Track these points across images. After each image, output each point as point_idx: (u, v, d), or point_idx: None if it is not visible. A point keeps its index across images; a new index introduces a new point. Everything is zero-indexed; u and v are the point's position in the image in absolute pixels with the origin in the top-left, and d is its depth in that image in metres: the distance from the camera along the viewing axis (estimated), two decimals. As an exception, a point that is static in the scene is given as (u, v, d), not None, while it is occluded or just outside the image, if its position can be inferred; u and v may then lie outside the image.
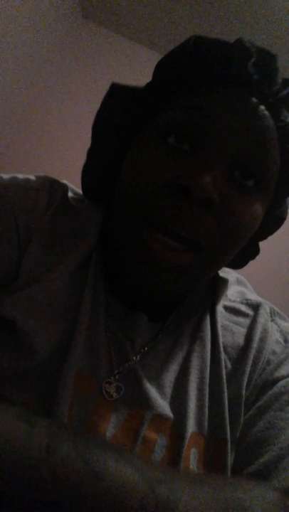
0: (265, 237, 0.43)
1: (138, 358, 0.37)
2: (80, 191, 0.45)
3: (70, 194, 0.43)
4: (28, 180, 0.40)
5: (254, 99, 0.34)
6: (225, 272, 0.47)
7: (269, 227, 0.41)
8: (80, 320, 0.35)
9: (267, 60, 0.34)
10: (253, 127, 0.33)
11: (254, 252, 0.44)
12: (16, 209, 0.37)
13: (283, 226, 0.43)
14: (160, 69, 0.38)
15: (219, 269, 0.40)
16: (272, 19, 1.51)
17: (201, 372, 0.37)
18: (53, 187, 0.41)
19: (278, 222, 0.42)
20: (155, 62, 0.39)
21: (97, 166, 0.42)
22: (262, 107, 0.34)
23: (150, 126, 0.37)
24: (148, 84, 0.38)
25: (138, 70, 1.78)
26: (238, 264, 0.45)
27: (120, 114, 0.39)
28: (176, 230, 0.32)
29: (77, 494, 0.21)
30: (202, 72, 0.35)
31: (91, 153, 0.43)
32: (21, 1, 1.35)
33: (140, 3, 1.65)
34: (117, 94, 0.39)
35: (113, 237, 0.39)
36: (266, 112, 0.34)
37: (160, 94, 0.37)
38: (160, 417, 0.34)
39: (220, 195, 0.32)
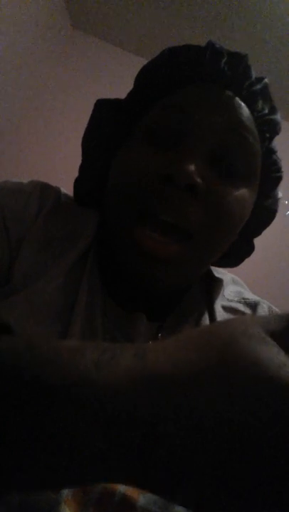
0: (259, 233, 0.44)
1: None
2: (72, 196, 0.45)
3: (62, 198, 0.43)
4: (19, 184, 0.41)
5: (228, 92, 0.36)
6: (219, 273, 0.47)
7: (260, 220, 0.42)
8: (74, 322, 0.35)
9: (238, 59, 0.36)
10: (229, 117, 0.35)
11: (249, 249, 0.45)
12: (5, 212, 0.37)
13: (282, 224, 0.44)
14: (140, 77, 0.40)
15: (211, 259, 0.40)
16: (258, 27, 1.54)
17: None
18: (44, 191, 0.41)
19: (269, 216, 0.43)
20: (137, 66, 0.41)
21: (88, 176, 0.43)
22: (237, 99, 0.36)
23: (134, 130, 0.38)
24: (130, 93, 0.40)
25: (127, 77, 1.79)
26: (232, 262, 0.46)
27: (108, 126, 0.41)
28: (165, 218, 0.33)
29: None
30: (177, 74, 0.37)
31: (82, 167, 0.44)
32: (9, 10, 1.36)
33: (128, 11, 1.67)
34: (103, 109, 0.41)
35: (108, 238, 0.39)
36: (241, 103, 0.36)
37: (142, 101, 0.39)
38: None
39: (204, 181, 0.33)
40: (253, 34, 1.57)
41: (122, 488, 0.31)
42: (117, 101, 0.41)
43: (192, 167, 0.32)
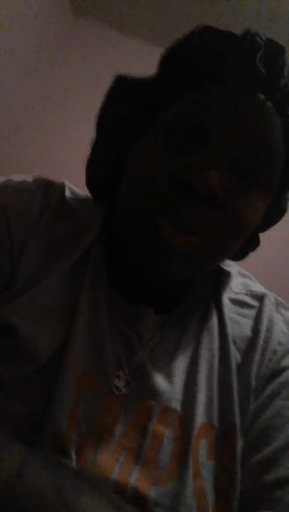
0: (265, 229, 0.43)
1: (146, 351, 0.38)
2: (78, 191, 0.45)
3: (67, 195, 0.42)
4: (22, 182, 0.40)
5: (260, 96, 0.33)
6: (226, 265, 0.47)
7: (270, 219, 0.42)
8: (77, 320, 0.35)
9: (275, 52, 0.34)
10: (258, 126, 0.33)
11: (254, 243, 0.44)
12: (8, 212, 0.37)
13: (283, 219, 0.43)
14: (165, 62, 0.38)
15: (223, 260, 0.40)
16: (276, 11, 1.49)
17: (210, 363, 0.37)
18: (49, 189, 0.41)
19: (280, 214, 0.42)
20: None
21: (103, 159, 0.42)
22: (268, 104, 0.34)
23: (155, 120, 0.37)
24: (153, 78, 0.38)
25: (133, 63, 1.76)
26: (238, 256, 0.45)
27: (126, 107, 0.39)
28: (183, 222, 0.32)
29: None
30: (209, 66, 0.34)
31: (95, 146, 0.42)
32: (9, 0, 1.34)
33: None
34: (123, 87, 0.39)
35: (118, 230, 0.38)
36: (272, 109, 0.34)
37: (165, 88, 0.37)
38: (168, 410, 0.35)
39: (224, 190, 0.32)
40: (261, 11, 1.52)
41: (133, 481, 0.31)
42: (138, 81, 0.38)
43: (214, 175, 0.31)
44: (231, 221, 0.34)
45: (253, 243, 0.44)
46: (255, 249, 0.45)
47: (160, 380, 0.36)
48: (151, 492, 0.31)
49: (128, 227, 0.36)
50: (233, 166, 0.33)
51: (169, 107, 0.36)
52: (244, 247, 0.43)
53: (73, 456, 0.31)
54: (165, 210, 0.33)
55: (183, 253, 0.33)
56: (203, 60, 0.34)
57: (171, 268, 0.35)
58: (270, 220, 0.42)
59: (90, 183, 0.43)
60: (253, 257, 0.47)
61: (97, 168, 0.43)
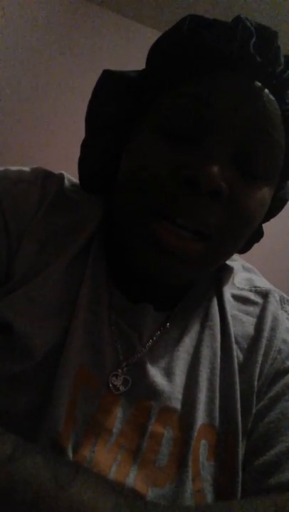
0: (267, 220, 0.42)
1: (146, 349, 0.37)
2: (77, 182, 0.43)
3: (66, 185, 0.41)
4: (20, 172, 0.39)
5: (257, 83, 0.32)
6: (230, 259, 0.46)
7: (273, 209, 0.40)
8: (76, 315, 0.34)
9: (268, 38, 0.32)
10: (257, 114, 0.32)
11: (258, 235, 0.43)
12: (4, 204, 0.36)
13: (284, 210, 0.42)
14: (154, 54, 0.36)
15: (228, 257, 0.39)
16: None
17: (212, 363, 0.37)
18: (47, 180, 0.39)
19: (281, 205, 0.41)
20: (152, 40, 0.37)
21: (94, 158, 0.41)
22: (266, 91, 0.33)
23: (147, 114, 0.35)
24: (142, 71, 0.36)
25: (139, 49, 1.72)
26: (242, 248, 0.44)
27: (114, 103, 0.37)
28: (185, 223, 0.31)
29: (39, 502, 0.21)
30: (200, 56, 0.33)
31: (86, 144, 0.41)
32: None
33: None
34: (110, 82, 0.37)
35: (117, 228, 0.37)
36: (271, 97, 0.33)
37: (156, 81, 0.35)
38: (167, 410, 0.34)
39: (228, 184, 0.31)
40: None
41: (130, 482, 0.30)
42: (125, 76, 0.37)
43: (217, 169, 0.30)
44: (237, 217, 0.32)
45: (256, 235, 0.43)
46: (259, 240, 0.44)
47: (160, 379, 0.35)
48: (149, 493, 0.30)
49: (125, 228, 0.35)
50: (234, 159, 0.32)
51: (162, 101, 0.34)
52: (248, 239, 0.42)
53: (70, 454, 0.31)
54: (166, 209, 0.31)
55: (185, 258, 0.32)
56: (195, 50, 0.33)
57: (172, 272, 0.34)
58: (272, 210, 0.40)
59: (83, 182, 0.42)
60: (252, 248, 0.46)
61: (89, 167, 0.41)
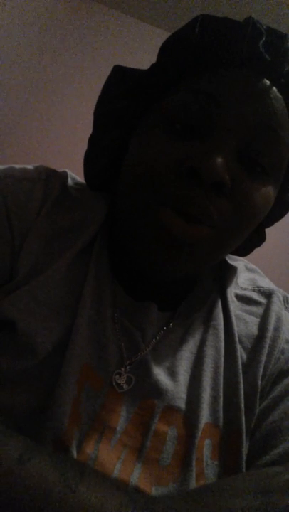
0: (271, 224, 0.42)
1: (150, 348, 0.37)
2: (80, 180, 0.43)
3: (69, 183, 0.41)
4: (24, 170, 0.39)
5: (265, 81, 0.33)
6: (233, 260, 0.46)
7: (276, 213, 0.40)
8: (80, 314, 0.34)
9: (277, 39, 0.33)
10: (264, 112, 0.32)
11: (260, 239, 0.43)
12: (8, 202, 0.36)
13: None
14: (165, 50, 0.36)
15: (230, 250, 0.39)
16: None
17: (215, 362, 0.37)
18: (50, 178, 0.39)
19: (286, 208, 0.41)
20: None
21: (100, 153, 0.40)
22: (274, 89, 0.33)
23: (155, 110, 0.35)
24: (152, 67, 0.36)
25: (141, 47, 1.71)
26: (243, 251, 0.44)
27: (123, 99, 0.37)
28: (189, 211, 0.31)
29: (48, 503, 0.22)
30: (210, 53, 0.33)
31: (93, 140, 0.41)
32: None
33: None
34: (120, 78, 0.37)
35: (121, 223, 0.37)
36: (278, 95, 0.33)
37: (166, 77, 0.35)
38: (171, 409, 0.34)
39: (231, 177, 0.31)
40: None
41: (134, 480, 0.31)
42: (136, 72, 0.37)
43: (220, 162, 0.30)
44: (240, 209, 0.32)
45: (258, 239, 0.43)
46: (260, 244, 0.44)
47: (163, 378, 0.35)
48: (153, 492, 0.30)
49: (130, 218, 0.35)
50: (239, 155, 0.32)
51: (170, 96, 0.34)
52: (250, 242, 0.42)
53: (74, 452, 0.31)
54: (169, 198, 0.31)
55: (188, 244, 0.32)
56: (205, 47, 0.33)
57: (175, 261, 0.33)
58: (276, 213, 0.40)
59: (88, 178, 0.42)
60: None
61: (94, 163, 0.41)
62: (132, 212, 0.34)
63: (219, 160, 0.30)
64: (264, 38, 0.32)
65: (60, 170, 0.42)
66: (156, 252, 0.33)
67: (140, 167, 0.33)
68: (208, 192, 0.31)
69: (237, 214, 0.32)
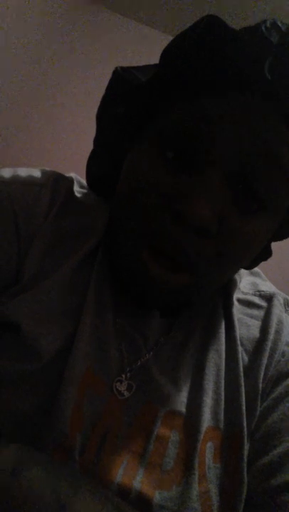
0: (280, 240, 0.41)
1: (151, 354, 0.37)
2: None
3: (76, 188, 0.41)
4: (31, 175, 0.39)
5: (268, 107, 0.30)
6: None
7: (283, 234, 0.39)
8: (83, 319, 0.34)
9: (285, 57, 0.29)
10: (263, 141, 0.29)
11: (266, 254, 0.42)
12: (15, 206, 0.36)
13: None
14: (165, 59, 0.34)
15: (224, 282, 0.39)
16: None
17: (217, 366, 0.37)
18: (57, 183, 0.39)
19: None
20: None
21: (102, 156, 0.41)
22: (275, 119, 0.30)
23: (151, 125, 0.34)
24: (151, 78, 0.35)
25: (142, 50, 1.71)
26: (248, 265, 0.43)
27: (122, 105, 0.37)
28: (172, 254, 0.31)
29: None
30: (208, 72, 0.31)
31: (96, 142, 0.41)
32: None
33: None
34: (119, 84, 0.37)
35: (111, 237, 0.37)
36: (279, 122, 0.30)
37: (163, 89, 0.34)
38: (173, 414, 0.34)
39: (219, 220, 0.30)
40: None
41: (137, 485, 0.31)
42: (134, 80, 0.36)
43: (206, 205, 0.28)
44: (226, 253, 0.31)
45: (264, 254, 0.42)
46: (266, 259, 0.43)
47: (165, 383, 0.35)
48: (156, 496, 0.31)
49: (117, 241, 0.35)
50: (232, 187, 0.30)
51: (167, 112, 0.33)
52: (255, 258, 0.41)
53: (76, 457, 0.31)
54: (154, 239, 0.31)
55: (172, 289, 0.32)
56: (203, 64, 0.30)
57: (162, 300, 0.34)
58: (283, 234, 0.39)
59: (90, 181, 0.42)
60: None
61: (97, 166, 0.41)
62: (120, 235, 0.35)
63: (206, 202, 0.29)
64: (272, 57, 0.29)
65: (65, 174, 0.42)
66: (143, 291, 0.34)
67: (130, 196, 0.33)
68: (193, 236, 0.30)
69: (224, 257, 0.32)
